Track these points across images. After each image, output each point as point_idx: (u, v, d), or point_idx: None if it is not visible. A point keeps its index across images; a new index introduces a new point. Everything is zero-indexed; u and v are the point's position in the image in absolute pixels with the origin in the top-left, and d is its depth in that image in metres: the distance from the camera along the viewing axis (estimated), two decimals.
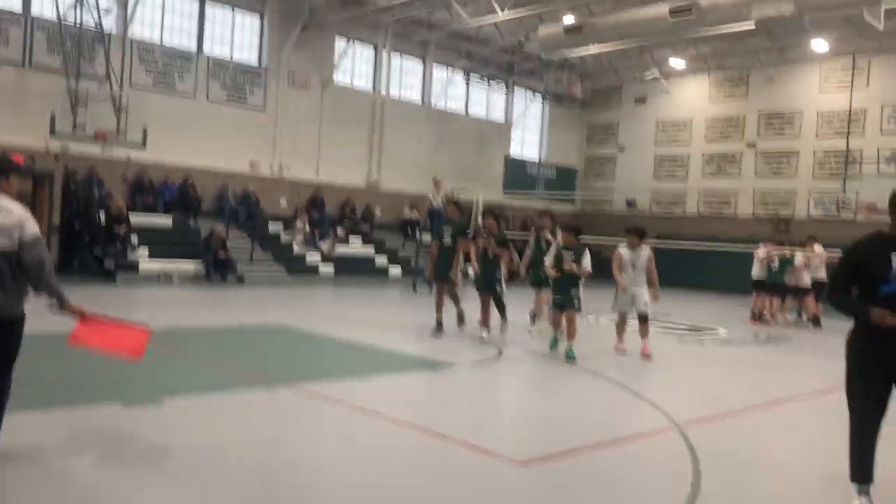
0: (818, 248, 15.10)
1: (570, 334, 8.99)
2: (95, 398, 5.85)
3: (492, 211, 11.26)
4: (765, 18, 16.83)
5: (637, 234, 9.63)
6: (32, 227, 4.07)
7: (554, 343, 9.29)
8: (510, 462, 4.93)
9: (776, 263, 15.02)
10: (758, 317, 15.20)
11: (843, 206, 22.92)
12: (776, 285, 15.12)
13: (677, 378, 8.86)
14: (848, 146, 23.32)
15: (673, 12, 17.88)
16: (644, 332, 9.52)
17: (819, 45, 22.43)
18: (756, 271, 15.38)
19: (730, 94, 26.39)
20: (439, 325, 10.47)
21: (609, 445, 5.45)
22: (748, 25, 18.28)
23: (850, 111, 23.39)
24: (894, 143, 22.58)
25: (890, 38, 21.54)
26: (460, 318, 10.57)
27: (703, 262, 22.58)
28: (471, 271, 10.77)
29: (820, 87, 24.25)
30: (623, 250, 9.65)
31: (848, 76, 23.53)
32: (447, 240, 10.62)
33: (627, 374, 8.53)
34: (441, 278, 10.66)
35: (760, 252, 15.32)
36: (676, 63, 25.84)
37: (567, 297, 9.04)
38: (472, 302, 10.56)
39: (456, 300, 10.64)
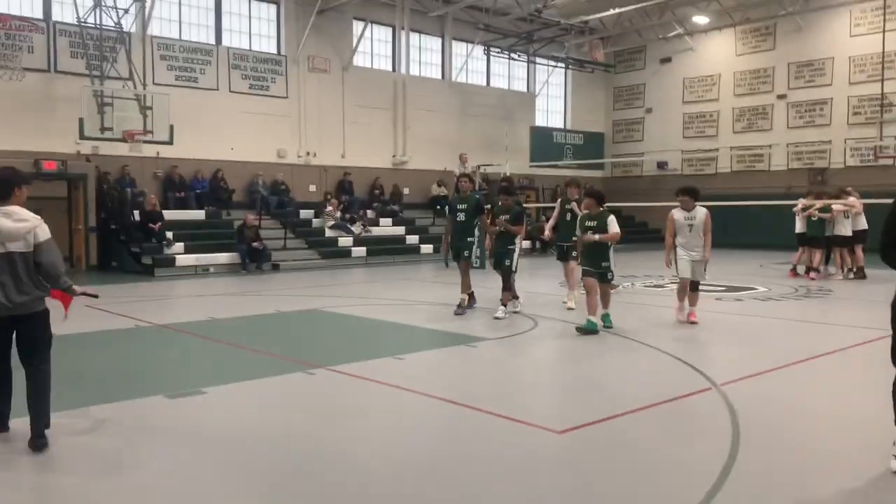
0: (852, 198, 14.80)
1: (605, 304, 8.94)
2: (140, 392, 5.99)
3: (505, 182, 10.93)
4: None
5: (690, 194, 9.19)
6: (45, 232, 4.59)
7: (590, 326, 8.47)
8: (549, 431, 4.96)
9: (816, 216, 14.77)
10: (806, 271, 14.99)
11: (880, 153, 22.31)
12: (818, 238, 14.88)
13: (716, 338, 8.77)
14: (883, 90, 22.65)
15: None
16: (694, 300, 9.30)
17: None
18: (798, 225, 15.19)
19: (757, 47, 25.75)
20: (470, 298, 10.35)
21: (649, 409, 5.43)
22: None
23: (882, 54, 22.68)
24: None
25: None
26: (470, 298, 10.31)
27: (739, 219, 22.22)
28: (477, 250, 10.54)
29: (851, 31, 23.55)
30: (677, 213, 9.21)
31: (879, 18, 22.78)
32: (461, 216, 10.22)
33: (664, 338, 8.47)
34: (458, 256, 10.34)
35: (799, 206, 15.13)
36: (700, 19, 25.27)
37: (599, 269, 8.75)
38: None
39: (467, 280, 10.26)
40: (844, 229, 14.64)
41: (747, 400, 5.66)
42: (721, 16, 25.08)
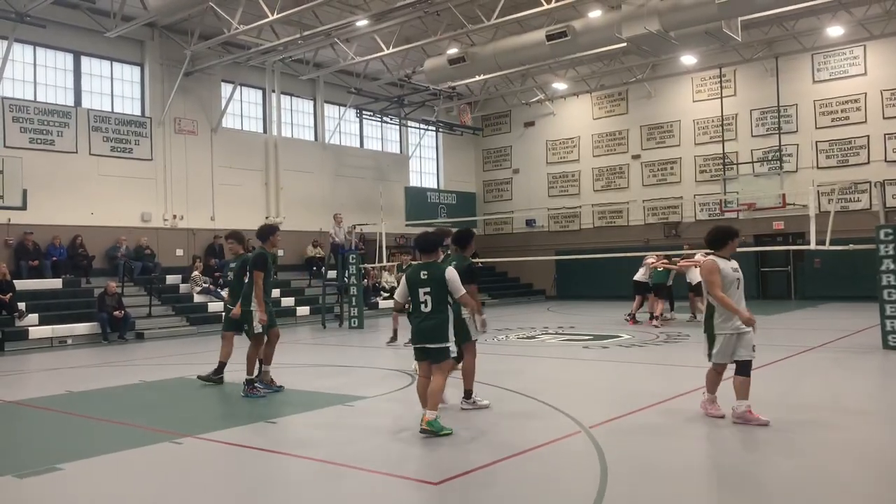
0: (699, 255, 16.14)
1: (434, 397, 6.30)
2: None
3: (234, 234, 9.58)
4: (635, 37, 17.77)
5: (735, 236, 6.72)
6: None
7: (435, 425, 6.26)
8: (426, 483, 4.97)
9: (660, 267, 16.07)
10: (650, 318, 16.03)
11: (725, 207, 24.27)
12: (660, 287, 16.12)
13: (584, 384, 9.12)
14: (724, 150, 24.79)
15: (549, 37, 18.64)
16: (744, 389, 6.41)
17: (688, 59, 23.84)
18: (638, 274, 16.46)
19: (611, 111, 27.63)
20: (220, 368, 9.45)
21: (521, 455, 5.57)
22: (621, 45, 19.23)
23: (722, 118, 24.92)
24: (764, 143, 24.17)
25: (749, 49, 23.17)
26: (262, 365, 9.03)
27: (602, 272, 23.41)
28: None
29: (693, 97, 25.74)
30: (721, 262, 6.54)
31: (717, 86, 25.09)
32: (229, 277, 9.22)
33: (532, 384, 8.72)
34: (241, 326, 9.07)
35: (650, 259, 16.35)
36: (559, 85, 26.86)
37: (437, 345, 6.41)
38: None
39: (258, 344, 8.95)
40: (696, 277, 15.80)
41: (613, 440, 5.93)
42: (578, 82, 26.76)
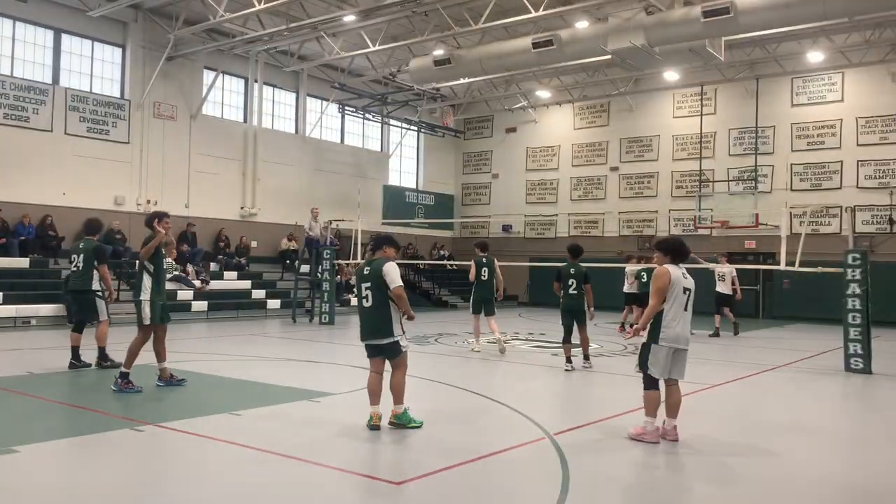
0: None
1: (399, 390, 6.59)
2: None
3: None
4: (620, 50, 17.92)
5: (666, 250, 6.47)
6: None
7: (404, 417, 6.55)
8: (387, 482, 4.97)
9: (644, 278, 16.06)
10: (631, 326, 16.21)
11: (699, 223, 24.55)
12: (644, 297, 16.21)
13: (551, 391, 9.16)
14: (701, 167, 25.07)
15: (535, 45, 18.72)
16: (675, 406, 6.41)
17: (671, 75, 24.08)
18: (626, 286, 16.55)
19: (592, 122, 27.83)
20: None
21: (486, 459, 5.58)
22: (605, 57, 19.36)
23: (700, 135, 25.20)
24: (741, 163, 24.50)
25: (731, 70, 23.47)
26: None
27: None
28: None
29: (674, 113, 26.01)
30: (674, 270, 6.27)
31: (697, 103, 25.37)
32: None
33: (500, 389, 8.74)
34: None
35: (628, 268, 16.47)
36: (542, 93, 27.00)
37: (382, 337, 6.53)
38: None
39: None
40: None
41: (577, 449, 5.96)
42: (561, 91, 26.91)
